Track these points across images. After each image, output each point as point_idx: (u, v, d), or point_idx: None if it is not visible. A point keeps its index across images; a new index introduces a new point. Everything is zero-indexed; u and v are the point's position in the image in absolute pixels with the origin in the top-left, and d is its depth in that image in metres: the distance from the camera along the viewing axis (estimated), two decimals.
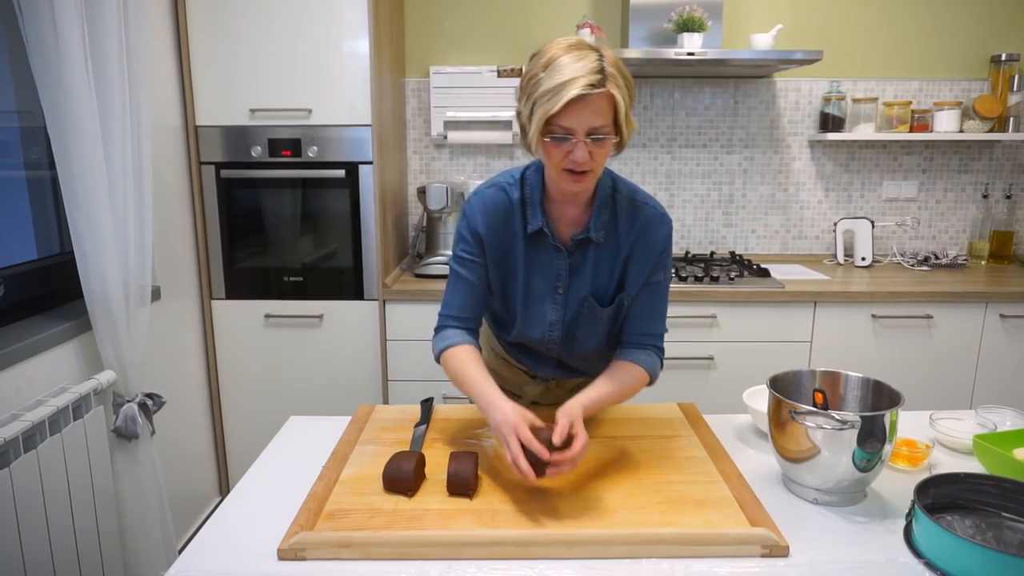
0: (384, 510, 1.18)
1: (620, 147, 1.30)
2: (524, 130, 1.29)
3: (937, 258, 2.98)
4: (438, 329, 1.46)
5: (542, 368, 1.60)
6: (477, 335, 1.47)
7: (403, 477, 1.22)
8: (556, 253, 1.40)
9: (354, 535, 1.09)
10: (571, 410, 1.24)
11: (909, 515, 1.14)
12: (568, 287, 1.43)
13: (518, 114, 1.30)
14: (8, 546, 1.42)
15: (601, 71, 1.19)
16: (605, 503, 1.20)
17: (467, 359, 1.37)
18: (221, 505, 1.24)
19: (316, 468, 1.33)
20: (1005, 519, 1.15)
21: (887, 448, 1.19)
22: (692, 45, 2.59)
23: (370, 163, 2.50)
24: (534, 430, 1.19)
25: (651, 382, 1.45)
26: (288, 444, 1.48)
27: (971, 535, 1.11)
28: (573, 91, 1.17)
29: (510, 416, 1.21)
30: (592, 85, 1.18)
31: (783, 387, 1.31)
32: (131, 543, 1.93)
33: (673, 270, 2.68)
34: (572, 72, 1.18)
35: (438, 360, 1.44)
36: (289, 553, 1.08)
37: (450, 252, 2.74)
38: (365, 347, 2.61)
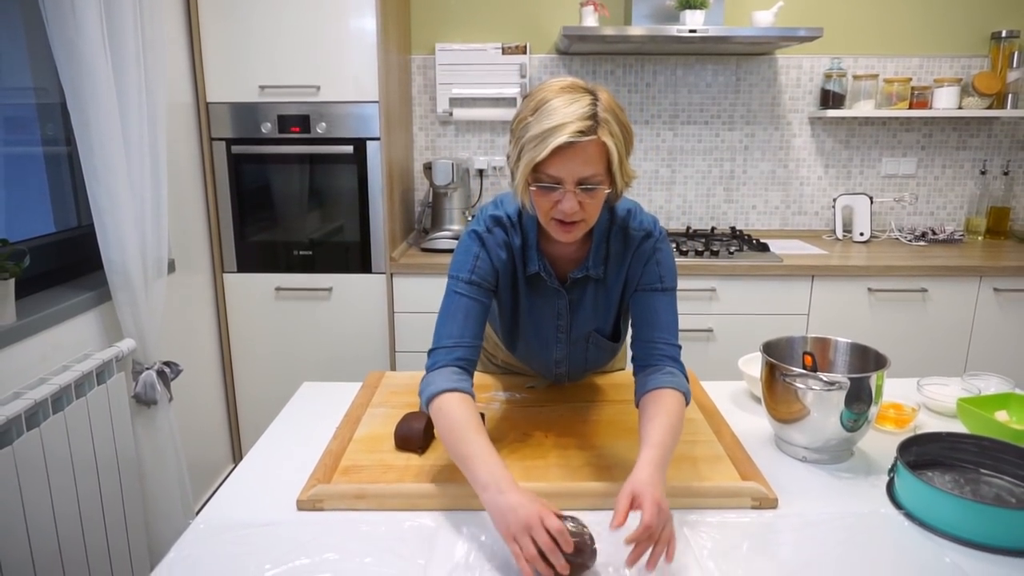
0: (396, 466, 1.25)
1: (615, 196, 1.23)
2: (513, 174, 1.20)
3: (934, 233, 3.03)
4: (432, 365, 1.24)
5: (551, 376, 1.57)
6: (474, 367, 1.28)
7: (414, 436, 1.29)
8: (556, 293, 1.35)
9: (369, 487, 1.16)
10: (644, 487, 1.01)
11: (892, 470, 1.20)
12: (570, 324, 1.39)
13: (507, 157, 1.21)
14: (40, 505, 1.50)
15: (593, 116, 1.10)
16: (606, 459, 1.27)
17: (460, 417, 1.14)
18: (242, 461, 1.31)
19: (330, 429, 1.40)
20: (982, 475, 1.22)
21: (873, 409, 1.26)
22: (694, 22, 2.63)
23: (377, 139, 2.55)
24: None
25: (687, 403, 1.25)
26: (303, 407, 1.55)
27: (949, 489, 1.18)
28: (560, 138, 1.09)
29: (530, 507, 0.98)
30: (582, 132, 1.09)
31: (776, 352, 1.37)
32: (152, 505, 2.02)
33: (674, 244, 2.74)
34: (561, 117, 1.09)
35: (426, 407, 1.20)
36: (308, 504, 1.15)
37: (456, 227, 2.81)
38: (373, 319, 2.68)
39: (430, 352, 1.26)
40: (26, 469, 1.45)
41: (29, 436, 1.46)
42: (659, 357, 1.28)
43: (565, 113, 1.10)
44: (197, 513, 1.56)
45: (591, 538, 0.99)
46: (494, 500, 1.01)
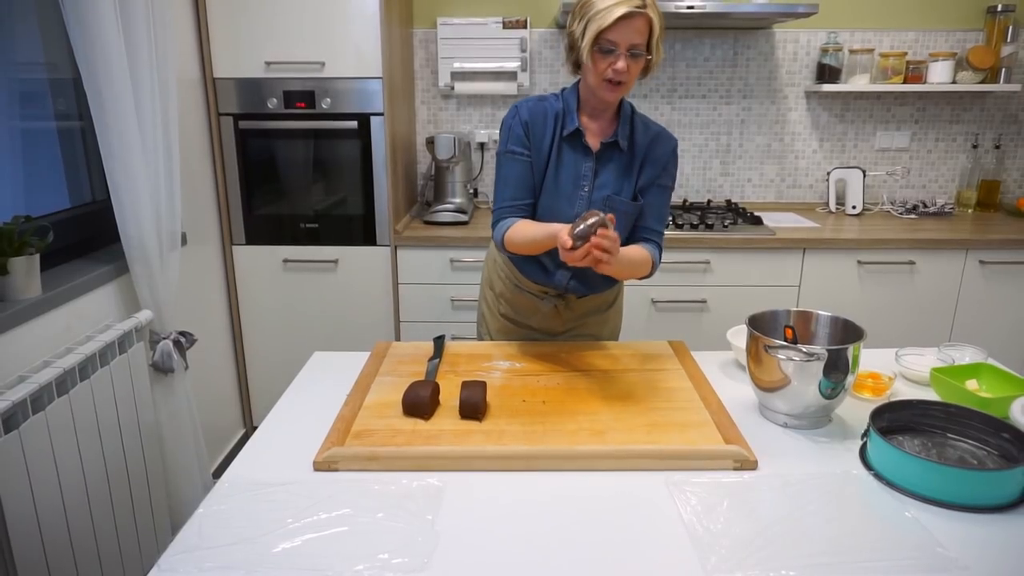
0: (404, 431, 1.34)
1: (647, 70, 1.58)
2: (573, 47, 1.57)
3: (925, 206, 3.10)
4: (496, 222, 1.69)
5: (555, 279, 1.75)
6: (525, 210, 1.69)
7: (420, 402, 1.38)
8: (585, 155, 1.65)
9: (380, 450, 1.26)
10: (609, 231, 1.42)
11: (864, 435, 1.30)
12: (592, 185, 1.67)
13: (569, 33, 1.57)
14: (71, 466, 1.60)
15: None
16: (599, 425, 1.36)
17: (524, 225, 1.61)
18: (261, 425, 1.41)
19: (340, 396, 1.49)
20: (949, 439, 1.31)
21: (850, 378, 1.34)
22: None
23: (381, 115, 2.61)
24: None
25: (651, 272, 1.67)
26: (314, 376, 1.63)
27: (917, 452, 1.27)
28: (622, 9, 1.46)
29: (560, 229, 1.42)
30: (638, 7, 1.47)
31: (761, 325, 1.45)
32: (171, 466, 2.12)
33: (670, 218, 2.82)
34: None
35: (503, 247, 1.66)
36: (323, 465, 1.24)
37: (458, 200, 2.88)
38: (378, 290, 2.77)
39: (494, 209, 1.70)
40: (58, 432, 1.55)
41: (60, 402, 1.55)
42: (650, 243, 1.70)
43: None
44: (214, 474, 1.66)
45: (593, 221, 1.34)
46: (554, 239, 1.45)
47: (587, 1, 1.53)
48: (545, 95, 1.69)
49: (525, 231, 1.59)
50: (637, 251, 1.62)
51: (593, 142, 1.66)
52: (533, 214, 1.70)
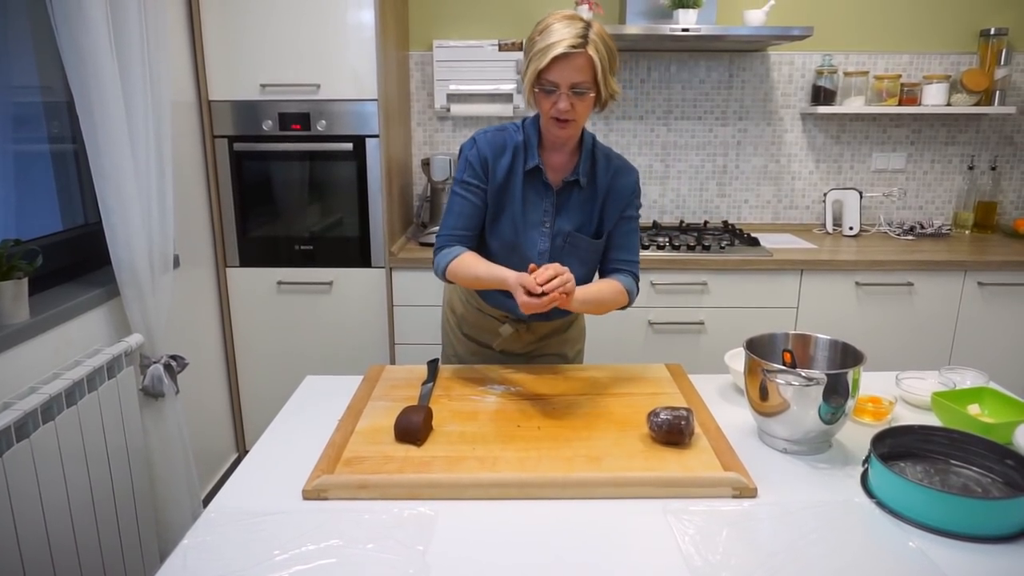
0: (396, 457, 1.31)
1: (602, 105, 1.54)
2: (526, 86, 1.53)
3: (922, 228, 3.09)
4: (439, 248, 1.65)
5: (516, 308, 1.71)
6: (469, 242, 1.66)
7: (413, 428, 1.35)
8: (545, 191, 1.63)
9: (371, 478, 1.23)
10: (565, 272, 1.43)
11: (865, 461, 1.27)
12: (553, 222, 1.65)
13: (522, 73, 1.53)
14: (56, 494, 1.56)
15: (584, 37, 1.44)
16: (595, 451, 1.33)
17: (472, 260, 1.58)
18: (249, 453, 1.38)
19: (332, 421, 1.46)
20: (952, 465, 1.28)
21: (850, 403, 1.32)
22: (687, 21, 2.67)
23: (376, 136, 2.61)
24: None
25: (628, 303, 1.68)
26: (306, 400, 1.61)
27: (920, 479, 1.24)
28: (558, 49, 1.42)
29: (515, 277, 1.45)
30: (574, 46, 1.43)
31: (759, 348, 1.43)
32: (160, 493, 2.08)
33: (667, 239, 2.81)
34: (559, 36, 1.44)
35: (443, 276, 1.63)
36: (313, 493, 1.21)
37: None
38: (373, 312, 2.74)
39: (437, 236, 1.66)
40: (43, 460, 1.52)
41: (45, 429, 1.52)
42: (625, 273, 1.70)
43: (563, 33, 1.44)
44: (204, 501, 1.62)
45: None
46: (505, 283, 1.48)
47: (531, 39, 1.51)
48: (505, 125, 1.66)
49: (470, 267, 1.58)
50: (607, 285, 1.63)
51: (554, 177, 1.64)
52: (482, 248, 1.68)
